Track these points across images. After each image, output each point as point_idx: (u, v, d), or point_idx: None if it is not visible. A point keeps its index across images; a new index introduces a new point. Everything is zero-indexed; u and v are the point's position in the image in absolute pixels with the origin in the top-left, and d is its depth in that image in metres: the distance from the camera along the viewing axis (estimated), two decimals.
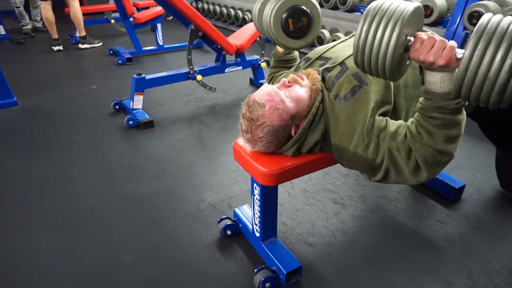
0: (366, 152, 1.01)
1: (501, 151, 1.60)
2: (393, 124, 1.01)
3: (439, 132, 0.92)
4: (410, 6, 0.83)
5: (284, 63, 1.45)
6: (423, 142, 0.94)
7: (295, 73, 1.20)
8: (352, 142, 1.03)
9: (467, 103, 0.86)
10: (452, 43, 0.83)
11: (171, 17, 5.42)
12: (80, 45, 4.32)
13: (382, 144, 1.00)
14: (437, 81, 0.88)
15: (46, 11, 3.93)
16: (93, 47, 4.36)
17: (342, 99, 1.06)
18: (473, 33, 0.75)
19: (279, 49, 1.44)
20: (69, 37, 4.69)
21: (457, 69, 0.79)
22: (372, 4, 0.87)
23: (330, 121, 1.09)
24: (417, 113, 0.97)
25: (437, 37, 0.85)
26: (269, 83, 1.47)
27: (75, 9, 3.95)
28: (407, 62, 0.95)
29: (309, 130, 1.10)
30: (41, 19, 5.23)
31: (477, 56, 0.73)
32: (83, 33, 4.23)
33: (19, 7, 4.98)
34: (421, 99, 0.95)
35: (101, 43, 4.41)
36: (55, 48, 4.22)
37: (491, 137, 1.55)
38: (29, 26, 5.15)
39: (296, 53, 1.46)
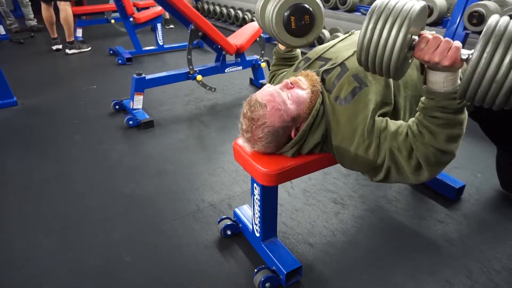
0: (367, 153, 1.01)
1: (502, 151, 1.60)
2: (393, 124, 1.01)
3: (441, 131, 0.92)
4: (417, 5, 0.82)
5: (286, 61, 1.45)
6: (424, 142, 0.94)
7: (294, 74, 1.20)
8: (353, 143, 1.03)
9: (469, 103, 0.86)
10: (457, 43, 0.83)
11: (170, 26, 5.44)
12: (67, 50, 4.16)
13: (383, 144, 1.00)
14: (440, 81, 0.88)
15: (47, 11, 3.92)
16: (81, 51, 4.23)
17: (343, 100, 1.06)
18: (481, 35, 0.75)
19: (281, 47, 1.43)
20: None
21: (461, 70, 0.79)
22: (378, 2, 0.86)
23: (331, 123, 1.09)
24: (418, 113, 0.97)
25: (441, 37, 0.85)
26: (270, 81, 1.47)
27: (67, 14, 3.87)
28: (410, 61, 0.95)
29: (309, 132, 1.10)
30: (35, 16, 5.26)
31: (485, 58, 0.73)
32: (72, 39, 4.12)
33: (3, 6, 5.01)
34: (423, 98, 0.95)
35: (89, 48, 4.31)
36: (54, 47, 4.21)
37: (492, 137, 1.55)
38: (16, 25, 5.17)
39: (298, 51, 1.45)
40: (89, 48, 4.31)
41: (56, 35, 4.19)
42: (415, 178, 1.00)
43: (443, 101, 0.90)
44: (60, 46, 4.24)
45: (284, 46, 1.40)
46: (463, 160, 1.94)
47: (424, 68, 0.92)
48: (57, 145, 2.21)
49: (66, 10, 3.86)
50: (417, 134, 0.96)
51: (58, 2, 3.82)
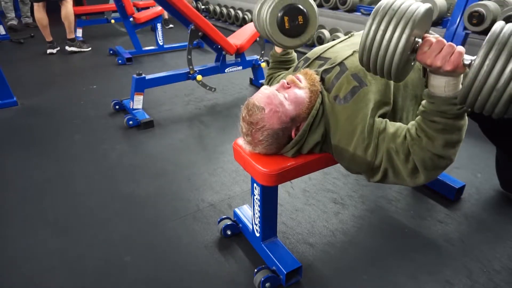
0: (365, 153, 1.01)
1: (502, 151, 1.60)
2: (392, 126, 1.01)
3: (439, 136, 0.92)
4: (422, 7, 0.81)
5: (282, 64, 1.46)
6: (422, 146, 0.94)
7: (294, 73, 1.20)
8: (352, 143, 1.03)
9: (470, 109, 0.86)
10: (461, 48, 0.82)
11: (169, 26, 5.45)
12: (67, 47, 4.14)
13: (381, 145, 1.00)
14: (441, 85, 0.87)
15: (39, 13, 3.78)
16: (81, 51, 4.19)
17: (342, 100, 1.06)
18: (485, 41, 0.74)
19: (277, 50, 1.44)
20: None
21: (463, 76, 0.78)
22: (382, 2, 0.85)
23: (330, 123, 1.08)
24: (418, 116, 0.97)
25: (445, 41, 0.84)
26: (267, 84, 1.47)
27: (67, 10, 3.86)
28: (412, 64, 0.94)
29: (309, 131, 1.10)
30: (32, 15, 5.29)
31: (487, 65, 0.72)
32: (72, 36, 4.10)
33: (7, 2, 5.05)
34: (423, 102, 0.95)
35: (90, 48, 4.27)
36: (48, 51, 4.09)
37: (492, 137, 1.55)
38: (14, 22, 5.18)
39: (295, 54, 1.46)
40: (90, 49, 4.28)
41: (51, 39, 4.07)
42: (412, 181, 1.00)
43: (443, 106, 0.89)
44: (54, 51, 4.13)
45: (280, 49, 1.40)
46: (463, 160, 1.94)
47: (426, 71, 0.91)
48: (57, 145, 2.22)
49: (67, 7, 3.86)
50: (415, 138, 0.96)
51: (60, 1, 3.82)
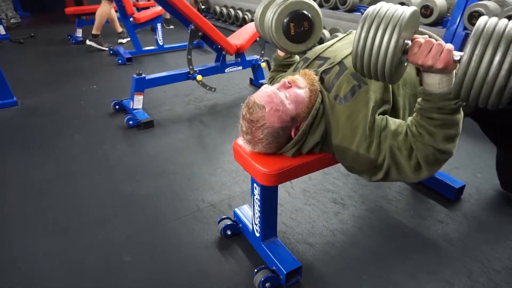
0: (368, 152, 1.02)
1: (502, 151, 1.60)
2: (393, 123, 1.02)
3: (439, 132, 0.94)
4: (407, 11, 0.84)
5: (285, 67, 1.45)
6: (424, 142, 0.95)
7: (293, 73, 1.20)
8: (354, 142, 1.03)
9: (465, 103, 0.87)
10: (449, 46, 0.84)
11: (170, 26, 5.45)
12: (88, 41, 4.23)
13: (384, 143, 1.00)
14: (435, 82, 0.89)
15: (108, 8, 4.05)
16: (100, 49, 4.26)
17: (342, 99, 1.06)
18: (470, 37, 0.76)
19: (280, 53, 1.43)
20: (69, 37, 4.69)
21: (455, 72, 0.80)
22: (369, 10, 0.88)
23: (330, 123, 1.09)
24: (415, 113, 0.98)
25: (434, 40, 0.86)
26: (269, 83, 1.47)
27: (103, 9, 4.02)
28: (405, 64, 0.96)
29: (309, 131, 1.10)
30: (13, 14, 5.41)
31: (475, 61, 0.75)
32: (98, 32, 4.19)
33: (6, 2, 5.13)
34: (419, 100, 0.96)
35: (108, 48, 4.28)
36: (119, 41, 4.53)
37: (491, 137, 1.55)
38: (15, 21, 5.30)
39: (297, 57, 1.46)
40: (108, 49, 4.26)
41: (120, 30, 4.52)
42: (415, 177, 1.01)
43: (439, 102, 0.91)
44: (124, 41, 4.55)
45: (284, 53, 1.40)
46: (463, 160, 1.94)
47: (420, 70, 0.93)
48: (57, 145, 2.22)
49: (104, 6, 4.02)
50: (416, 135, 0.97)
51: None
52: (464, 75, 0.77)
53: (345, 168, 1.15)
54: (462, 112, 0.95)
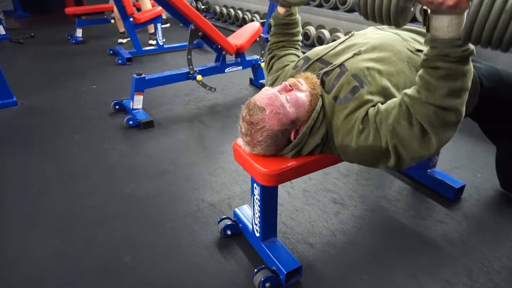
0: (368, 140, 1.01)
1: (502, 151, 1.60)
2: (384, 104, 1.01)
3: (441, 85, 0.89)
4: None
5: (285, 28, 1.39)
6: (422, 101, 0.91)
7: (293, 72, 1.20)
8: (353, 138, 1.03)
9: (474, 51, 0.82)
10: None
11: (167, 25, 5.45)
12: (120, 40, 4.55)
13: (381, 126, 0.99)
14: (444, 25, 0.84)
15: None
16: (120, 42, 4.53)
17: (342, 100, 1.06)
18: None
19: (280, 11, 1.37)
20: (69, 37, 4.69)
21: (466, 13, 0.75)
22: None
23: (332, 124, 1.08)
24: (419, 72, 0.94)
25: None
26: (268, 62, 1.43)
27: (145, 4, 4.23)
28: (412, 9, 0.91)
29: (309, 134, 1.10)
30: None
31: None
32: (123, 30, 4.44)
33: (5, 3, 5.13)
34: (425, 50, 0.91)
35: (126, 41, 4.55)
36: (119, 41, 4.53)
37: (492, 137, 1.55)
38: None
39: (298, 17, 1.40)
40: (125, 42, 4.51)
41: (123, 30, 4.49)
42: (425, 147, 0.96)
43: (446, 49, 0.85)
44: (124, 41, 4.57)
45: (283, 9, 1.35)
46: (463, 160, 1.94)
47: (427, 17, 0.87)
48: (57, 145, 2.22)
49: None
50: (413, 96, 0.93)
51: None
52: (477, 12, 0.71)
53: (361, 165, 1.12)
54: (470, 64, 0.88)
